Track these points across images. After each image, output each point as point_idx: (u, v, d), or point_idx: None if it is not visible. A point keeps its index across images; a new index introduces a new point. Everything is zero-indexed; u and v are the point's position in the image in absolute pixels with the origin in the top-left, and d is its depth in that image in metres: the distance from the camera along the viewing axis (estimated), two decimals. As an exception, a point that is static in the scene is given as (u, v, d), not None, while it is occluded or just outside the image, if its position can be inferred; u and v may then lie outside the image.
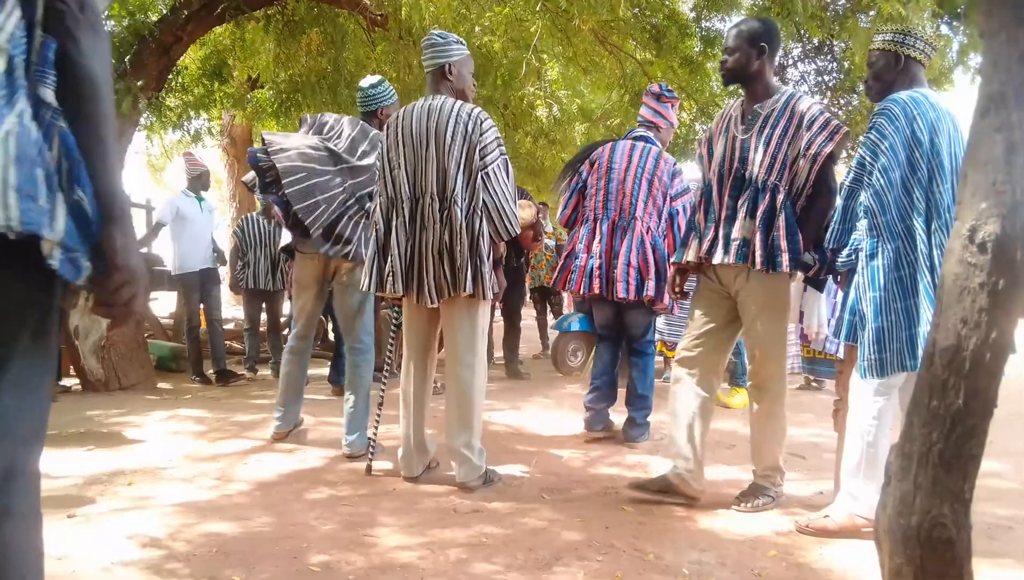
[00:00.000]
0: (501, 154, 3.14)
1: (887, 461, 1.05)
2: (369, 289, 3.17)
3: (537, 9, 7.55)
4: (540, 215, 6.15)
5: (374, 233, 3.19)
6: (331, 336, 7.00)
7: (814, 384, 6.29)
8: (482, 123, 3.08)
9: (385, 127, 3.24)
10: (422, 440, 3.25)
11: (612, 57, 9.43)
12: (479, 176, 3.07)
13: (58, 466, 3.35)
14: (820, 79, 9.69)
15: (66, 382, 5.86)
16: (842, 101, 9.23)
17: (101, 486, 3.12)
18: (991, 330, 0.95)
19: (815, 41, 8.64)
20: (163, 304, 8.65)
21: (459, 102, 3.13)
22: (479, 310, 3.16)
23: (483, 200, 3.08)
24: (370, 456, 3.37)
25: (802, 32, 7.23)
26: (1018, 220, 0.96)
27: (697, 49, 10.01)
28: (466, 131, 3.05)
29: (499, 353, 7.39)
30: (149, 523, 2.66)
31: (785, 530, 2.71)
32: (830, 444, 3.26)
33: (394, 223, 3.12)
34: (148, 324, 7.42)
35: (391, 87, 3.98)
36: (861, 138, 2.78)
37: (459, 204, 3.04)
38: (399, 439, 3.27)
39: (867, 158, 2.66)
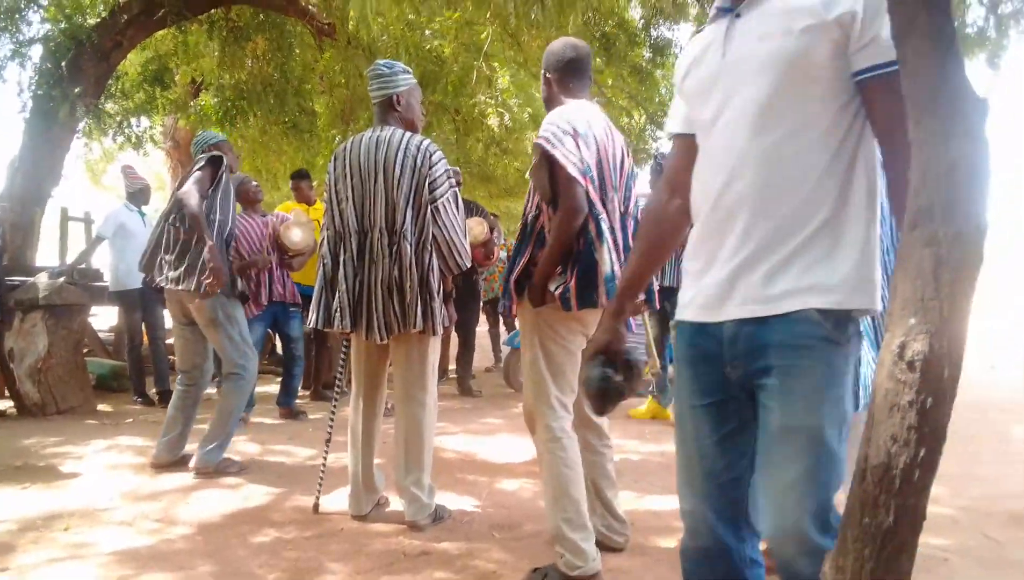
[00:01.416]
0: (451, 187, 3.11)
1: (822, 571, 1.06)
2: (317, 325, 3.12)
3: (487, 16, 7.54)
4: (493, 231, 6.13)
5: (321, 267, 3.13)
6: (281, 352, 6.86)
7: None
8: (431, 155, 3.05)
9: (332, 158, 3.19)
10: (371, 478, 3.20)
11: (563, 65, 9.45)
12: (429, 209, 3.04)
13: (-11, 510, 3.22)
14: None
15: (0, 406, 5.64)
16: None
17: (36, 532, 3.00)
18: (920, 448, 0.97)
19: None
20: (103, 319, 8.38)
21: (408, 134, 3.09)
22: (429, 346, 3.13)
23: (433, 234, 3.05)
24: (318, 491, 3.32)
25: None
26: (946, 338, 0.98)
27: (647, 57, 10.13)
28: (415, 164, 3.02)
29: (452, 365, 7.37)
30: (87, 575, 2.57)
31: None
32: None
33: (342, 257, 3.07)
34: (87, 340, 7.18)
35: (214, 132, 4.38)
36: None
37: (408, 238, 3.00)
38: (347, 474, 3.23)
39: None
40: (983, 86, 9.18)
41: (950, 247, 0.99)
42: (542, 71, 2.74)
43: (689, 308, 1.48)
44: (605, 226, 2.42)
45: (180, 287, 3.77)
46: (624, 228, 2.56)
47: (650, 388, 5.66)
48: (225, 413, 3.93)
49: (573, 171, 2.35)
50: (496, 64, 8.86)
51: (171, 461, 3.97)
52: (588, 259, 2.41)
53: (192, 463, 3.86)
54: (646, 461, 4.29)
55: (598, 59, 9.04)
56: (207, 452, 3.84)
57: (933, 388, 0.97)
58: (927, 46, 1.06)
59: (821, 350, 1.29)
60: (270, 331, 6.06)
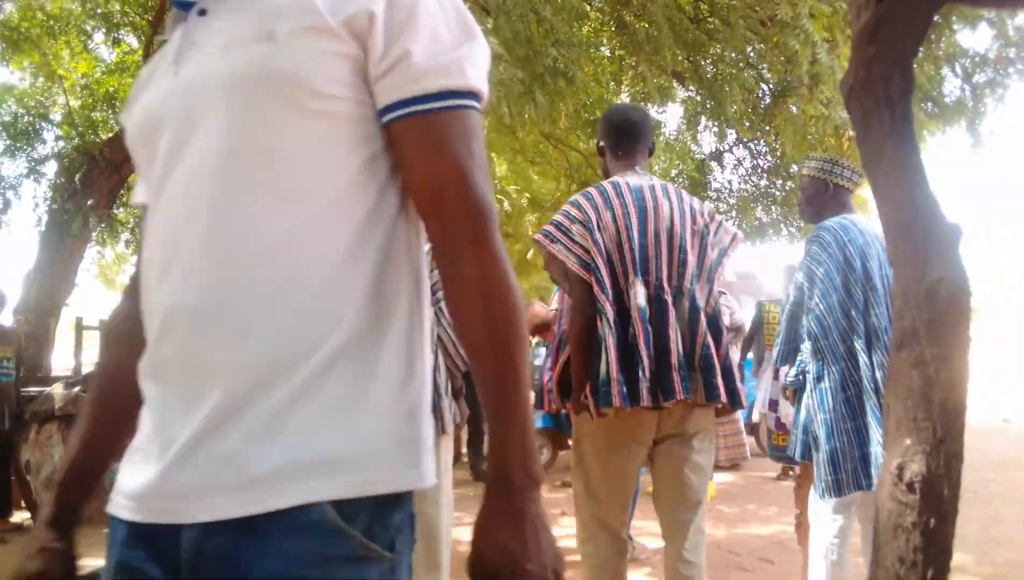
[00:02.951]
0: (454, 287, 3.18)
1: None
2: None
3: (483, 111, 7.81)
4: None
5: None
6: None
7: (791, 473, 6.34)
8: (431, 259, 3.12)
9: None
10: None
11: (557, 150, 9.74)
12: (433, 310, 3.11)
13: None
14: (755, 162, 10.13)
15: (17, 517, 5.61)
16: (778, 183, 9.63)
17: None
18: (927, 569, 0.99)
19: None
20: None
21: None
22: (441, 444, 3.15)
23: (438, 334, 3.11)
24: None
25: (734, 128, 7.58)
26: (942, 457, 1.01)
27: (639, 138, 10.40)
28: (419, 267, 3.10)
29: (464, 449, 7.32)
30: None
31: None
32: (796, 543, 3.28)
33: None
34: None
35: None
36: (798, 264, 2.92)
37: (415, 340, 3.05)
38: None
39: (805, 284, 2.79)
40: (965, 152, 9.40)
41: (938, 368, 1.03)
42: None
43: (120, 497, 0.86)
44: (609, 320, 2.18)
45: None
46: (664, 311, 2.18)
47: None
48: None
49: (573, 266, 2.24)
50: (493, 154, 9.11)
51: None
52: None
53: None
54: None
55: (592, 144, 9.32)
56: None
57: (935, 508, 1.00)
58: (896, 176, 1.14)
59: None
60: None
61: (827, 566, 2.65)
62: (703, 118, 8.59)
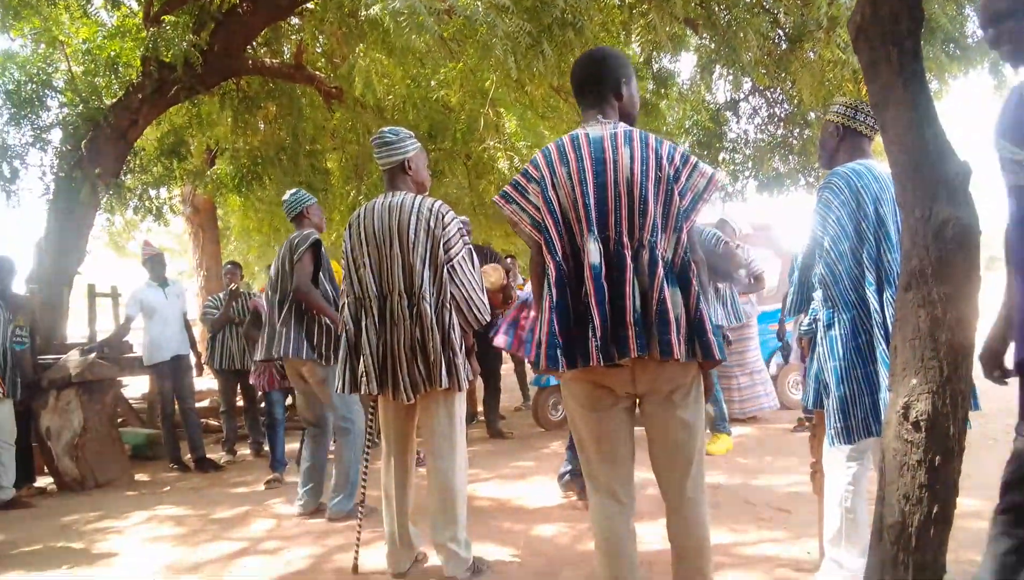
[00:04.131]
0: (465, 245, 3.19)
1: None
2: (344, 390, 3.18)
3: (491, 65, 7.71)
4: (508, 274, 6.20)
5: (344, 333, 3.21)
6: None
7: (807, 423, 6.36)
8: (444, 216, 3.13)
9: (347, 226, 3.28)
10: (407, 536, 3.24)
11: (568, 103, 9.61)
12: (445, 269, 3.12)
13: (37, 594, 3.29)
14: (772, 111, 9.96)
15: (40, 482, 5.75)
16: (795, 132, 9.48)
17: (83, 614, 3.07)
18: (933, 505, 1.00)
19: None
20: (134, 387, 8.53)
21: (419, 197, 3.18)
22: (455, 401, 3.19)
23: (451, 293, 3.12)
24: (356, 550, 3.35)
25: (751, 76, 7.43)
26: (948, 396, 1.01)
27: (650, 89, 10.26)
28: (429, 226, 3.10)
29: (481, 408, 7.39)
30: (135, 656, 2.62)
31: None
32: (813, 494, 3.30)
33: (364, 322, 3.15)
34: (120, 409, 7.30)
35: (305, 192, 4.60)
36: (812, 210, 2.88)
37: (427, 299, 3.07)
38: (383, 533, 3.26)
39: (817, 231, 2.76)
40: (987, 93, 9.18)
41: (945, 308, 1.02)
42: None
43: None
44: (550, 281, 2.14)
45: (297, 356, 4.23)
46: (621, 267, 2.09)
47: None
48: (344, 465, 4.26)
49: (526, 227, 2.22)
50: (502, 109, 9.01)
51: (315, 508, 4.41)
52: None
53: (328, 514, 4.26)
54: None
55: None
56: (336, 503, 4.24)
57: (940, 446, 1.00)
58: (905, 116, 1.11)
59: None
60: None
61: (841, 513, 2.66)
62: (717, 66, 8.42)
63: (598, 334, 2.03)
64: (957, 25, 6.63)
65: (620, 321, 2.05)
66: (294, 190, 4.67)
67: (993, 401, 3.03)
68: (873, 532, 1.07)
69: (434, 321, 3.06)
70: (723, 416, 5.55)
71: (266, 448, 6.22)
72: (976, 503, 3.59)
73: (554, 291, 2.12)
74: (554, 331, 2.08)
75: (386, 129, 3.30)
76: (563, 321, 2.10)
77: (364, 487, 3.45)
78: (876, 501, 1.06)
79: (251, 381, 5.76)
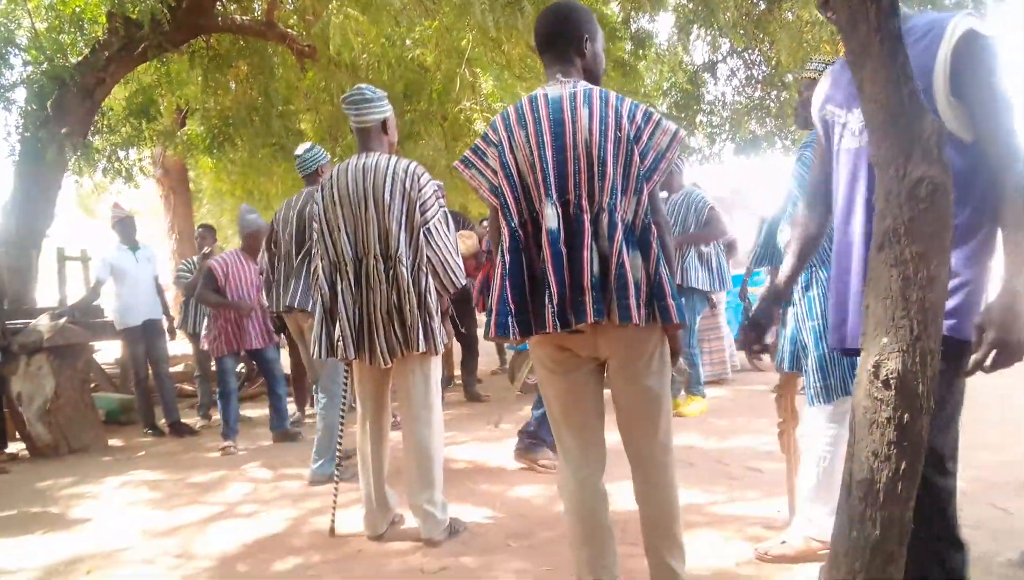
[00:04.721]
0: (440, 207, 3.16)
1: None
2: (320, 356, 3.16)
3: (468, 23, 7.58)
4: (482, 241, 6.18)
5: (319, 297, 3.17)
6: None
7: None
8: (419, 178, 3.09)
9: (319, 188, 3.22)
10: (384, 498, 3.25)
11: (545, 64, 9.49)
12: (421, 232, 3.09)
13: (13, 557, 3.27)
14: (749, 73, 9.93)
15: (12, 448, 5.70)
16: (773, 95, 9.47)
17: (60, 578, 3.06)
18: (901, 462, 1.01)
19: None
20: (107, 352, 8.44)
21: (394, 158, 3.13)
22: (431, 365, 3.18)
23: (427, 256, 3.09)
24: (333, 513, 3.37)
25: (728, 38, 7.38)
26: (918, 355, 1.02)
27: (628, 50, 10.16)
28: (404, 188, 3.06)
29: (458, 372, 7.41)
30: (112, 619, 2.62)
31: (746, 559, 2.79)
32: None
33: (339, 286, 3.11)
34: (93, 375, 7.23)
35: (322, 149, 4.45)
36: (791, 172, 2.88)
37: (404, 262, 3.04)
38: (360, 496, 3.28)
39: (795, 190, 2.77)
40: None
41: (916, 266, 1.03)
42: None
43: None
44: (504, 248, 2.11)
45: (297, 306, 4.30)
46: (579, 232, 2.04)
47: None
48: (328, 428, 4.21)
49: (484, 192, 2.17)
50: (479, 69, 8.87)
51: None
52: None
53: (310, 478, 4.25)
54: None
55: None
56: (320, 467, 4.21)
57: (909, 404, 1.01)
58: (882, 73, 1.10)
59: None
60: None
61: (817, 472, 2.69)
62: (695, 27, 8.36)
63: (555, 300, 2.00)
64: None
65: (578, 286, 2.01)
66: (308, 146, 4.59)
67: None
68: (842, 488, 1.08)
69: (411, 284, 3.04)
70: (698, 379, 5.61)
71: (245, 414, 6.20)
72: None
73: (507, 257, 2.07)
74: (505, 298, 2.04)
75: (364, 87, 3.23)
76: (516, 288, 2.05)
77: (340, 451, 3.46)
78: (845, 458, 1.07)
79: (203, 345, 5.66)
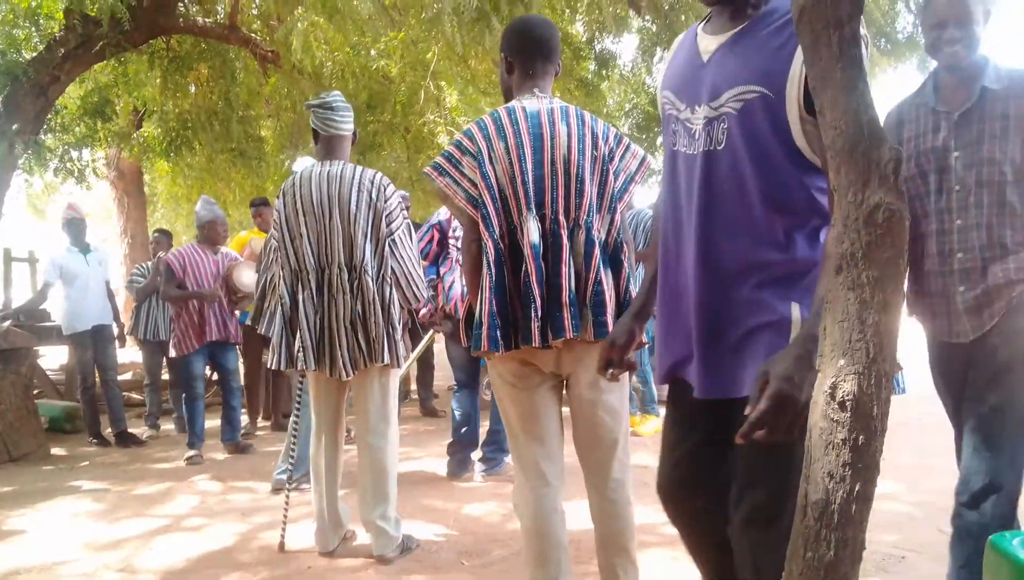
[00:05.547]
0: (404, 219, 3.14)
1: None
2: (279, 366, 3.10)
3: (434, 36, 7.58)
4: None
5: (279, 307, 3.10)
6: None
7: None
8: (385, 189, 3.07)
9: (280, 194, 3.17)
10: (336, 513, 3.19)
11: (511, 80, 9.54)
12: (386, 243, 3.06)
13: (-58, 571, 3.13)
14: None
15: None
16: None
17: (-8, 592, 2.94)
18: (855, 483, 1.03)
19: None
20: (52, 358, 8.17)
21: (359, 168, 3.11)
22: (391, 378, 3.14)
23: (391, 267, 3.07)
24: (283, 528, 3.29)
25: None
26: (873, 378, 1.04)
27: (592, 70, 10.29)
28: (371, 198, 3.03)
29: (414, 386, 7.34)
30: (47, 636, 2.52)
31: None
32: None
33: (300, 296, 3.05)
34: (37, 381, 6.98)
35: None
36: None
37: (369, 273, 3.01)
38: (312, 511, 3.21)
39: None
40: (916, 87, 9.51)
41: (873, 290, 1.05)
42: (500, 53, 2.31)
43: None
44: (489, 260, 2.07)
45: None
46: (557, 247, 2.05)
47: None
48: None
49: (460, 201, 2.12)
50: (443, 83, 8.88)
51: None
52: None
53: (273, 484, 4.19)
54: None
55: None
56: (280, 473, 4.12)
57: (864, 426, 1.03)
58: (842, 101, 1.13)
59: None
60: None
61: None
62: (658, 49, 8.48)
63: (539, 314, 2.00)
64: (889, 19, 6.85)
65: (556, 302, 2.02)
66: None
67: (908, 385, 3.16)
68: (797, 509, 1.09)
69: (375, 295, 3.00)
70: (652, 397, 5.65)
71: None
72: (890, 486, 3.76)
73: (493, 270, 2.05)
74: (494, 312, 2.03)
75: (336, 94, 3.20)
76: (501, 301, 2.06)
77: (292, 464, 3.39)
78: (801, 479, 1.08)
79: (171, 347, 5.45)
